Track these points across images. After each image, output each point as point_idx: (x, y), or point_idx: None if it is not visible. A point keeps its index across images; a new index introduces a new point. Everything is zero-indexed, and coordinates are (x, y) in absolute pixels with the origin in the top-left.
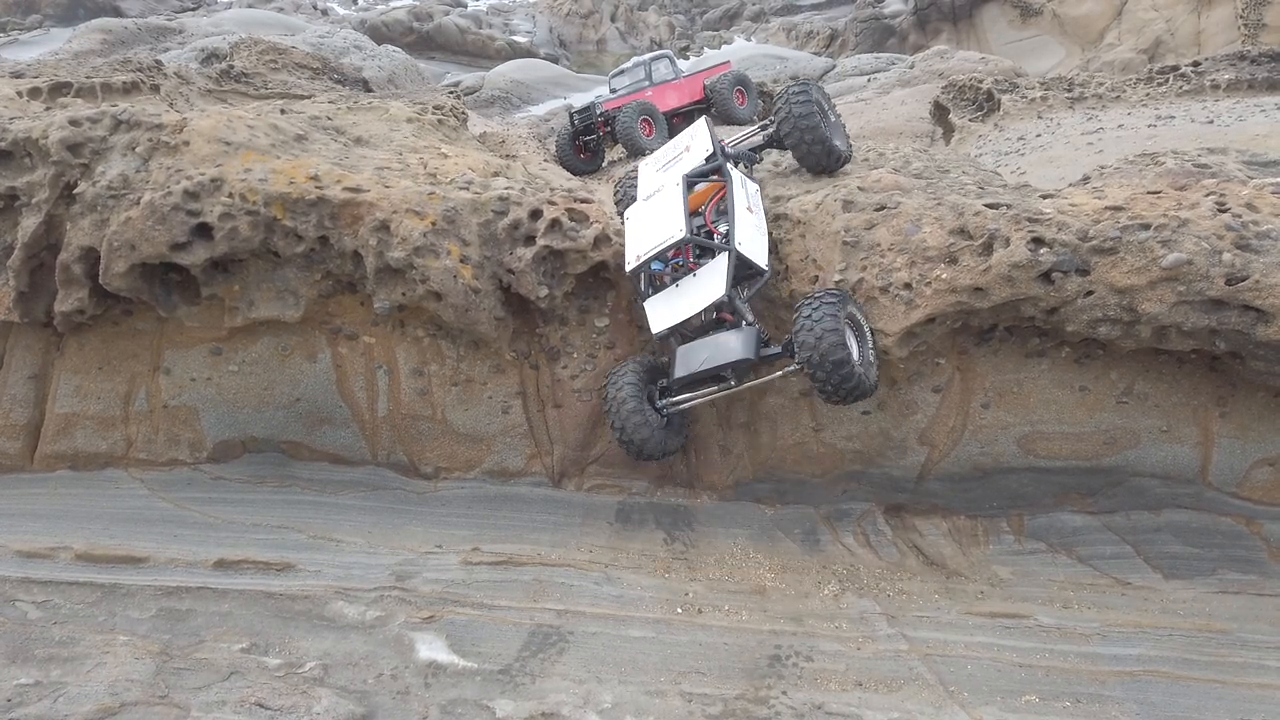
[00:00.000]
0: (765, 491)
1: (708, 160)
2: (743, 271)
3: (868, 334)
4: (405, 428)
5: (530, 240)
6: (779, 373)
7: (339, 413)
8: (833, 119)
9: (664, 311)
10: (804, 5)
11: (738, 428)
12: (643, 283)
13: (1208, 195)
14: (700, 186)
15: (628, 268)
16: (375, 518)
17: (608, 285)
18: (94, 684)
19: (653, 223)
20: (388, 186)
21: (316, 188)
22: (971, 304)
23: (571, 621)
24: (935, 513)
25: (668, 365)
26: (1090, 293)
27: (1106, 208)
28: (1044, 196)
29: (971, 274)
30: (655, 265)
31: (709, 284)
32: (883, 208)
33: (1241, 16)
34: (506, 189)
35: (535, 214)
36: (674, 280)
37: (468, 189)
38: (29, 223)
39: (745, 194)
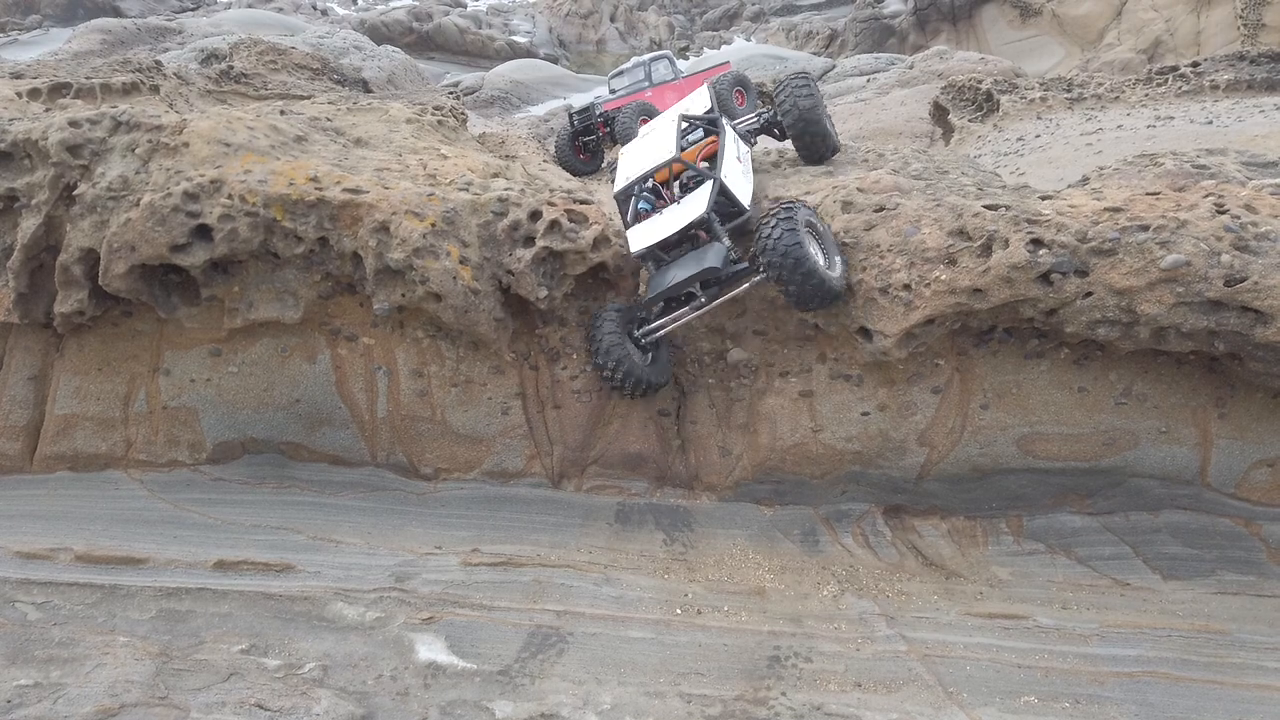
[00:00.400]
0: (764, 492)
1: (706, 113)
2: (725, 207)
3: (830, 239)
4: (405, 429)
5: (530, 241)
6: (746, 284)
7: (338, 414)
8: (825, 111)
9: (644, 232)
10: (804, 5)
11: (737, 428)
12: (629, 212)
13: (1206, 196)
14: (693, 150)
15: (615, 189)
16: (375, 519)
17: (607, 286)
18: (94, 685)
19: (645, 152)
20: (387, 188)
21: (316, 189)
22: (970, 305)
23: (571, 622)
24: (934, 513)
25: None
26: (1089, 294)
27: (1105, 209)
28: (1043, 198)
29: (970, 275)
30: (641, 205)
31: (692, 206)
32: (882, 209)
33: (1241, 17)
34: (506, 190)
35: (535, 215)
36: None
37: (467, 190)
38: (29, 224)
39: (737, 149)
